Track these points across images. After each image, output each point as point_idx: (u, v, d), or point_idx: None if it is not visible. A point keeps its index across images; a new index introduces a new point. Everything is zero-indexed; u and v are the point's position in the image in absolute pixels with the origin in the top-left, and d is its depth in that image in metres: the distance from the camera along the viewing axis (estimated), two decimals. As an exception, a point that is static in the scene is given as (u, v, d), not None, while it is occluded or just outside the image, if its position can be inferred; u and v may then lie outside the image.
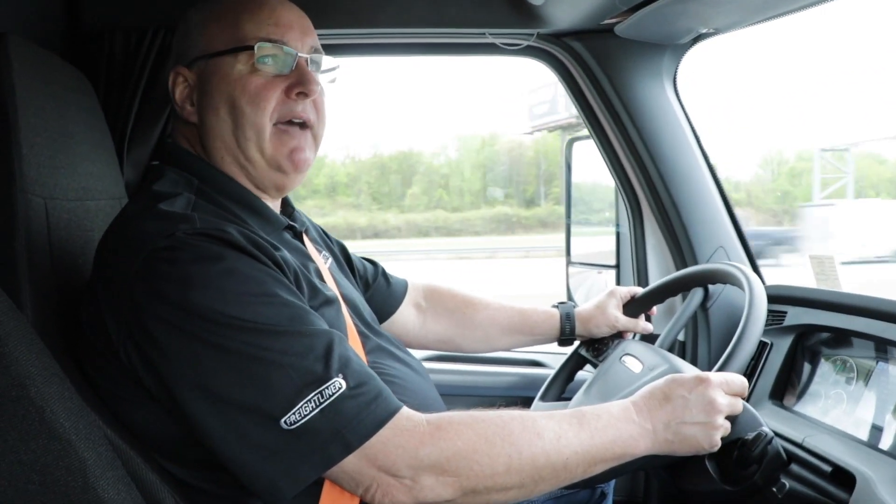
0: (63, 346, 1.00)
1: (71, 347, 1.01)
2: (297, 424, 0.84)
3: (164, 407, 0.91)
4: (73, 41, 1.60)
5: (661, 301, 1.57)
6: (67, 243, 1.09)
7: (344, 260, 1.37)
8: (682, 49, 1.74)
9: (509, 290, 8.07)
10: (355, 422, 0.86)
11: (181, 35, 1.08)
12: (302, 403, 0.85)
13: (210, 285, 0.87)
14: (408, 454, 0.88)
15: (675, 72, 1.77)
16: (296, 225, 1.16)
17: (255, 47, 1.01)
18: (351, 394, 0.87)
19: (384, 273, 1.49)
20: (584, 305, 1.56)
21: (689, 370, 1.20)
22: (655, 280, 1.67)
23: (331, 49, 1.73)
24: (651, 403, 1.01)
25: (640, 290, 1.56)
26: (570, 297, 2.13)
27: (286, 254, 1.02)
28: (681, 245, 1.76)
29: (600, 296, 1.56)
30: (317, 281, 1.06)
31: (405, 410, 0.91)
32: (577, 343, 1.57)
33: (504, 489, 0.92)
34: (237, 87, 1.01)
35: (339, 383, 0.87)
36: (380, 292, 1.45)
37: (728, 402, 1.02)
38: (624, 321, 1.52)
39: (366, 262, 1.47)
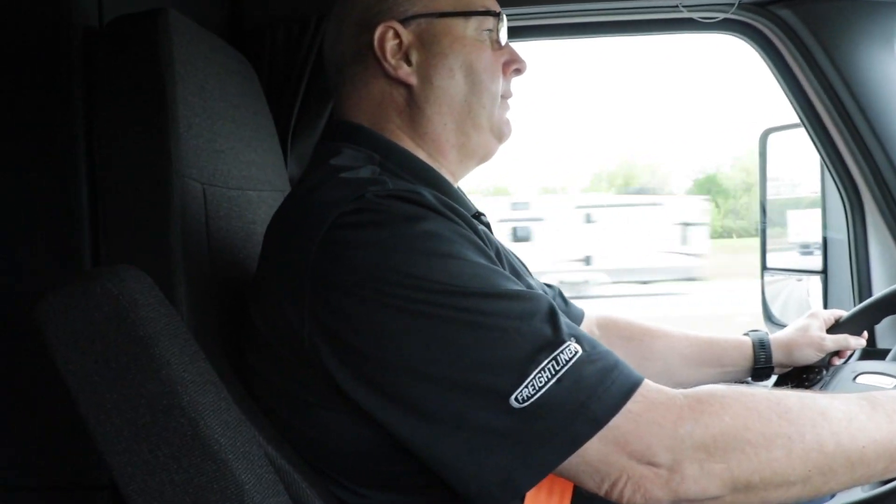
0: (220, 350, 0.89)
1: (229, 352, 0.90)
2: (532, 400, 0.70)
3: (356, 407, 0.76)
4: (235, 35, 1.57)
5: (876, 322, 1.37)
6: (227, 234, 0.99)
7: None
8: (926, 6, 1.47)
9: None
10: (600, 390, 0.71)
11: None
12: (535, 373, 0.70)
13: (410, 249, 0.74)
14: (665, 433, 0.71)
15: (917, 36, 1.49)
16: (484, 214, 1.02)
17: (491, 15, 0.98)
18: (590, 358, 0.73)
19: (562, 295, 1.36)
20: (780, 332, 1.38)
21: None
22: (879, 293, 1.43)
23: (513, 32, 1.62)
24: None
25: (843, 314, 1.36)
26: (765, 310, 1.94)
27: (484, 229, 0.89)
28: (914, 253, 1.50)
29: (799, 319, 1.38)
30: (518, 266, 0.94)
31: (650, 381, 0.75)
32: (775, 377, 1.38)
33: (784, 483, 0.72)
34: (473, 52, 0.96)
35: (574, 347, 0.72)
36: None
37: None
38: (833, 340, 1.32)
39: (542, 283, 1.34)
